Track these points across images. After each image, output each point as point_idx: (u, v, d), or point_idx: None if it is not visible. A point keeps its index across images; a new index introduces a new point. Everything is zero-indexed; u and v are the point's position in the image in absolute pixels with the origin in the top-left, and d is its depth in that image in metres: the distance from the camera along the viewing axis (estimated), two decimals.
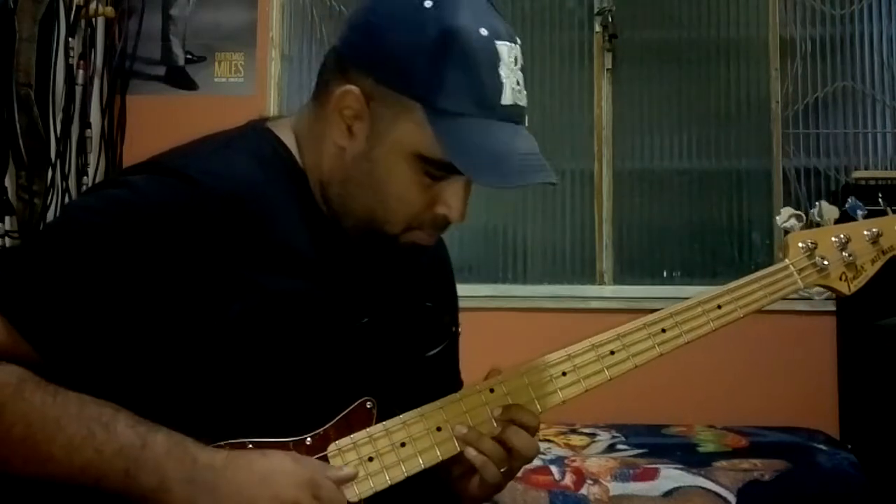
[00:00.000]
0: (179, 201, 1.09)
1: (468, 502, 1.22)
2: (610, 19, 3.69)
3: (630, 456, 2.80)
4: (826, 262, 1.30)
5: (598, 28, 3.74)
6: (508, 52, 1.10)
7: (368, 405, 1.14)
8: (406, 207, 1.13)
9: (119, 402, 1.06)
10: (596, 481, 2.63)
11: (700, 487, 2.60)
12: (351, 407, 1.13)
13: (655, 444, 2.93)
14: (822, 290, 1.33)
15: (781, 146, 3.63)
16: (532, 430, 1.17)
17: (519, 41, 1.13)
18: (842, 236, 1.31)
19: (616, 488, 2.61)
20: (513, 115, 1.11)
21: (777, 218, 1.37)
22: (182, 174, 1.10)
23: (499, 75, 1.08)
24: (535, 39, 3.79)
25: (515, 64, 1.11)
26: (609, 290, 3.67)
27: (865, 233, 1.32)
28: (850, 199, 1.35)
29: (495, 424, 1.15)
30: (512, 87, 1.10)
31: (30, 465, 1.04)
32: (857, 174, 3.41)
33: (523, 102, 1.12)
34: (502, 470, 1.16)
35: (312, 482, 1.07)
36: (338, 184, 1.16)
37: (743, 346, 3.17)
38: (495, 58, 1.08)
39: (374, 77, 1.10)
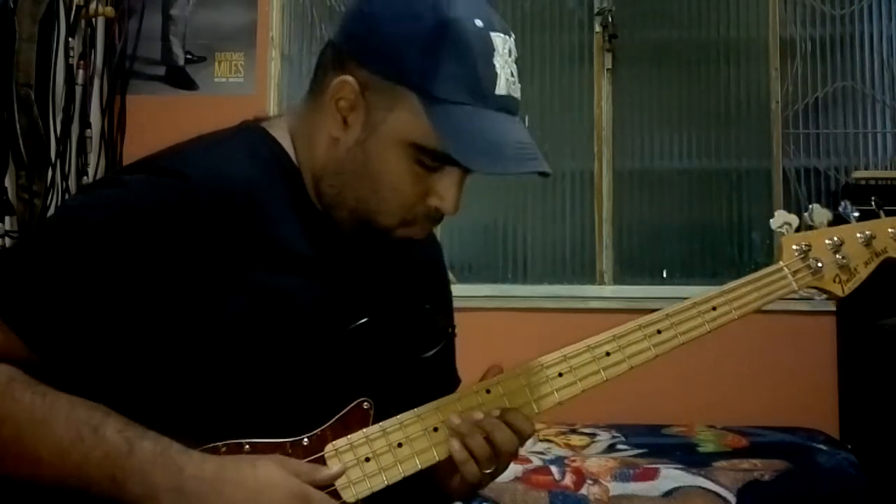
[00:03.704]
0: (174, 199, 1.09)
1: (448, 498, 1.22)
2: (610, 19, 3.69)
3: (630, 456, 2.81)
4: (820, 265, 1.30)
5: (598, 28, 3.74)
6: (503, 43, 1.11)
7: (365, 406, 1.14)
8: (400, 198, 1.13)
9: (115, 404, 1.06)
10: (596, 481, 2.63)
11: (700, 487, 2.61)
12: (348, 408, 1.13)
13: (655, 444, 2.93)
14: (817, 291, 1.33)
15: (781, 146, 3.63)
16: (523, 436, 1.16)
17: (512, 35, 1.13)
18: (835, 238, 1.31)
19: (616, 488, 2.62)
20: (507, 105, 1.11)
21: (771, 221, 1.36)
22: (176, 172, 1.10)
23: (493, 65, 1.09)
24: (535, 39, 3.79)
25: (510, 56, 1.11)
26: (609, 290, 3.67)
27: (858, 235, 1.32)
28: (842, 203, 1.35)
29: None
30: (507, 78, 1.10)
31: (19, 466, 1.04)
32: (856, 174, 3.41)
33: (517, 94, 1.13)
34: (487, 471, 1.15)
35: (304, 494, 1.06)
36: (331, 175, 1.16)
37: (743, 346, 3.17)
38: (490, 48, 1.09)
39: (369, 67, 1.11)
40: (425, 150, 1.10)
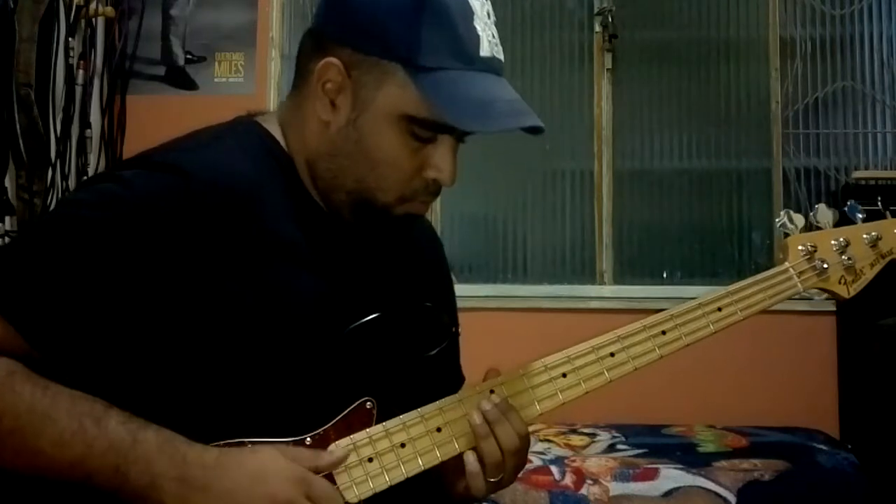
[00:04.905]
0: (170, 195, 1.09)
1: (451, 502, 1.22)
2: (610, 19, 3.70)
3: (630, 456, 2.81)
4: (825, 266, 1.30)
5: (598, 28, 3.74)
6: (480, 6, 1.11)
7: (368, 405, 1.14)
8: (396, 172, 1.13)
9: (116, 401, 1.06)
10: (596, 481, 2.63)
11: (700, 487, 2.61)
12: (351, 407, 1.13)
13: (655, 444, 2.93)
14: (821, 292, 1.33)
15: (781, 146, 3.63)
16: (519, 435, 1.16)
17: None
18: (841, 240, 1.31)
19: (616, 488, 2.62)
20: (492, 66, 1.12)
21: (776, 220, 1.36)
22: (173, 167, 1.11)
23: (474, 28, 1.10)
24: (535, 39, 3.79)
25: (489, 18, 1.12)
26: (609, 290, 3.67)
27: (864, 236, 1.32)
28: (849, 202, 1.35)
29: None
30: (489, 40, 1.11)
31: (20, 458, 1.04)
32: (857, 174, 3.42)
33: (501, 56, 1.14)
34: (492, 479, 1.16)
35: (304, 480, 1.07)
36: (325, 159, 1.16)
37: (743, 346, 3.17)
38: (469, 12, 1.10)
39: (352, 47, 1.11)
40: (418, 121, 1.10)
